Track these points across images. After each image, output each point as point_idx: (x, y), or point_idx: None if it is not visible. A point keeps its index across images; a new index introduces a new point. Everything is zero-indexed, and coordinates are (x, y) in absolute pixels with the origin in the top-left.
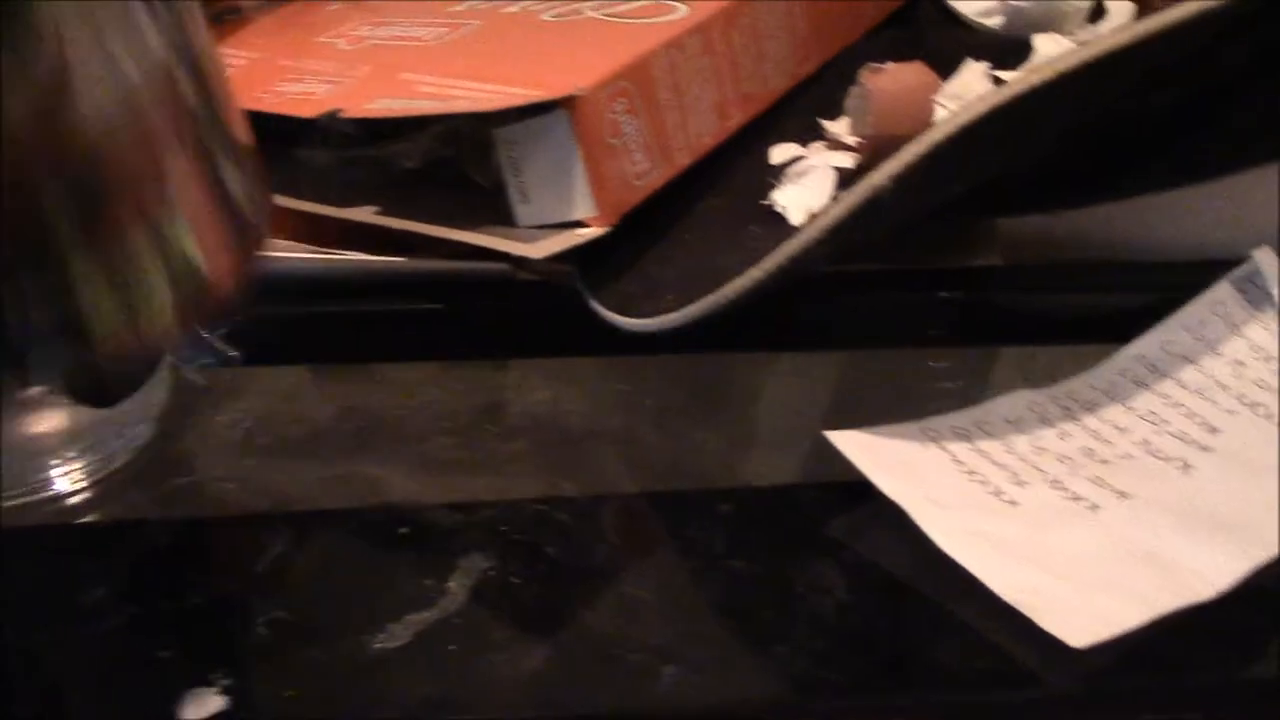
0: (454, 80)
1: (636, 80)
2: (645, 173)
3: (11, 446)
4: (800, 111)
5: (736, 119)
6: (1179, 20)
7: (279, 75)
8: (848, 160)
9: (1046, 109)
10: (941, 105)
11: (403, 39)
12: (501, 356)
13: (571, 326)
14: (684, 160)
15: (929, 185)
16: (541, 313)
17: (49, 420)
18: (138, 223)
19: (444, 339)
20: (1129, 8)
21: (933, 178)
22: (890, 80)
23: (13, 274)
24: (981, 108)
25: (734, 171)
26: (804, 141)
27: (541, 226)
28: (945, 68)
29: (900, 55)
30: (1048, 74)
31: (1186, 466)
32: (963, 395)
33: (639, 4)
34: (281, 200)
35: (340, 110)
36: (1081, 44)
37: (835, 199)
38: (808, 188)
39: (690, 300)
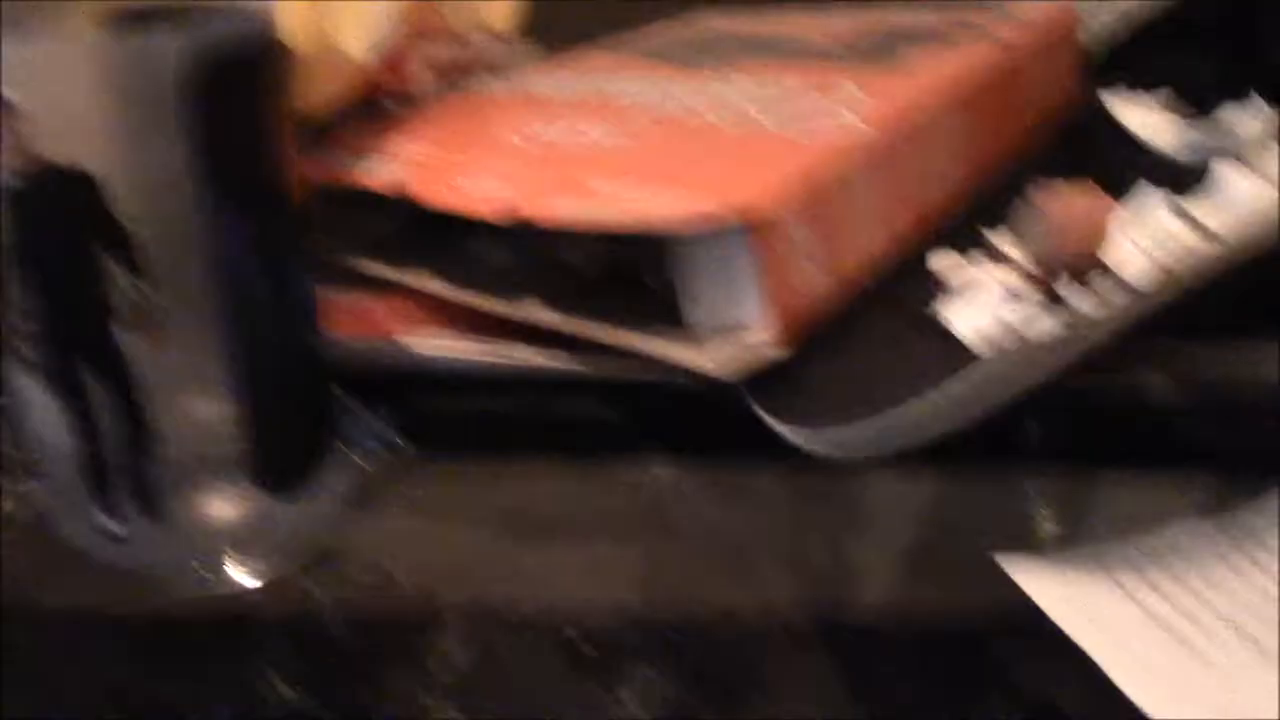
0: (633, 185)
1: (814, 194)
2: (820, 287)
3: (187, 534)
4: (958, 221)
5: (905, 231)
6: None
7: (456, 170)
8: (1015, 277)
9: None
10: (1133, 244)
11: (576, 138)
12: (667, 459)
13: (736, 432)
14: (857, 275)
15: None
16: (707, 418)
17: (225, 507)
18: None
19: (612, 439)
20: None
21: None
22: (1064, 203)
23: None
24: (1200, 267)
25: (890, 278)
26: (963, 249)
27: (716, 337)
28: (1114, 186)
29: (1066, 170)
30: (1269, 235)
31: None
32: (1125, 521)
33: (815, 115)
34: (450, 292)
35: (524, 215)
36: None
37: (1027, 336)
38: (975, 304)
39: (860, 416)
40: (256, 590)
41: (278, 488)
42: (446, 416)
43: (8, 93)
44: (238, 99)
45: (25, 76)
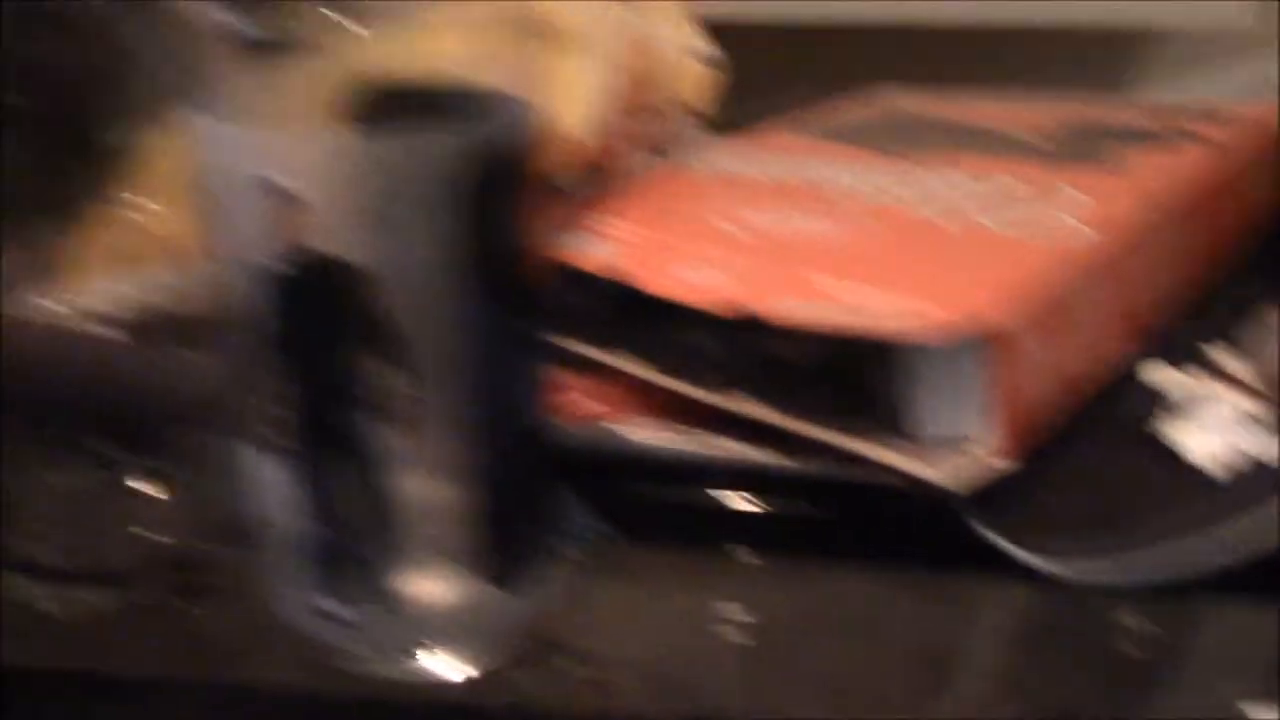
0: (859, 285)
1: (1046, 304)
2: (1047, 401)
3: (405, 619)
4: (1176, 333)
5: (1128, 344)
6: None
7: (672, 256)
8: (1244, 398)
9: None
10: None
11: (792, 230)
12: (868, 563)
13: (946, 541)
14: (1082, 387)
15: None
16: (915, 524)
17: (445, 593)
18: None
19: (814, 539)
20: None
21: None
22: None
23: None
24: None
25: (1110, 391)
26: (1181, 363)
27: (941, 446)
28: None
29: None
30: None
31: None
32: None
33: (1037, 217)
34: (661, 379)
35: (750, 309)
36: None
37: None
38: (1206, 426)
39: (1098, 546)
40: (467, 680)
41: (498, 576)
42: (653, 506)
43: (286, 182)
44: (500, 192)
45: (299, 167)
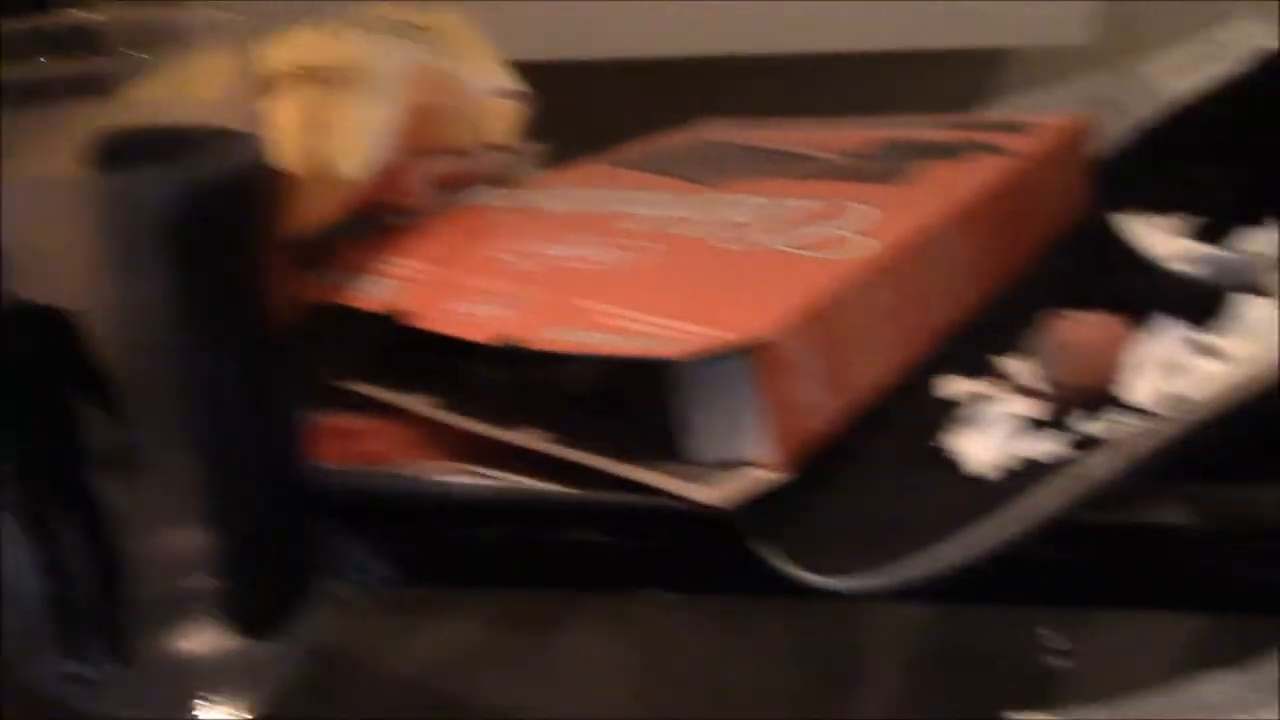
0: (631, 311)
1: (820, 319)
2: (824, 414)
3: (156, 676)
4: (964, 343)
5: (911, 354)
6: None
7: (448, 291)
8: (1027, 407)
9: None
10: (1149, 375)
11: (577, 260)
12: (663, 590)
13: (737, 566)
14: (862, 400)
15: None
16: (701, 551)
17: (196, 648)
18: None
19: (607, 571)
20: None
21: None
22: (1083, 331)
23: None
24: (1219, 399)
25: (894, 403)
26: (970, 373)
27: (715, 466)
28: (1130, 313)
29: (1080, 295)
30: None
31: None
32: (1151, 670)
33: (820, 234)
34: (445, 417)
35: (513, 339)
36: None
37: (1046, 482)
38: (986, 434)
39: (867, 560)
40: None
41: (253, 626)
42: (440, 546)
43: None
44: (227, 231)
45: (11, 214)
